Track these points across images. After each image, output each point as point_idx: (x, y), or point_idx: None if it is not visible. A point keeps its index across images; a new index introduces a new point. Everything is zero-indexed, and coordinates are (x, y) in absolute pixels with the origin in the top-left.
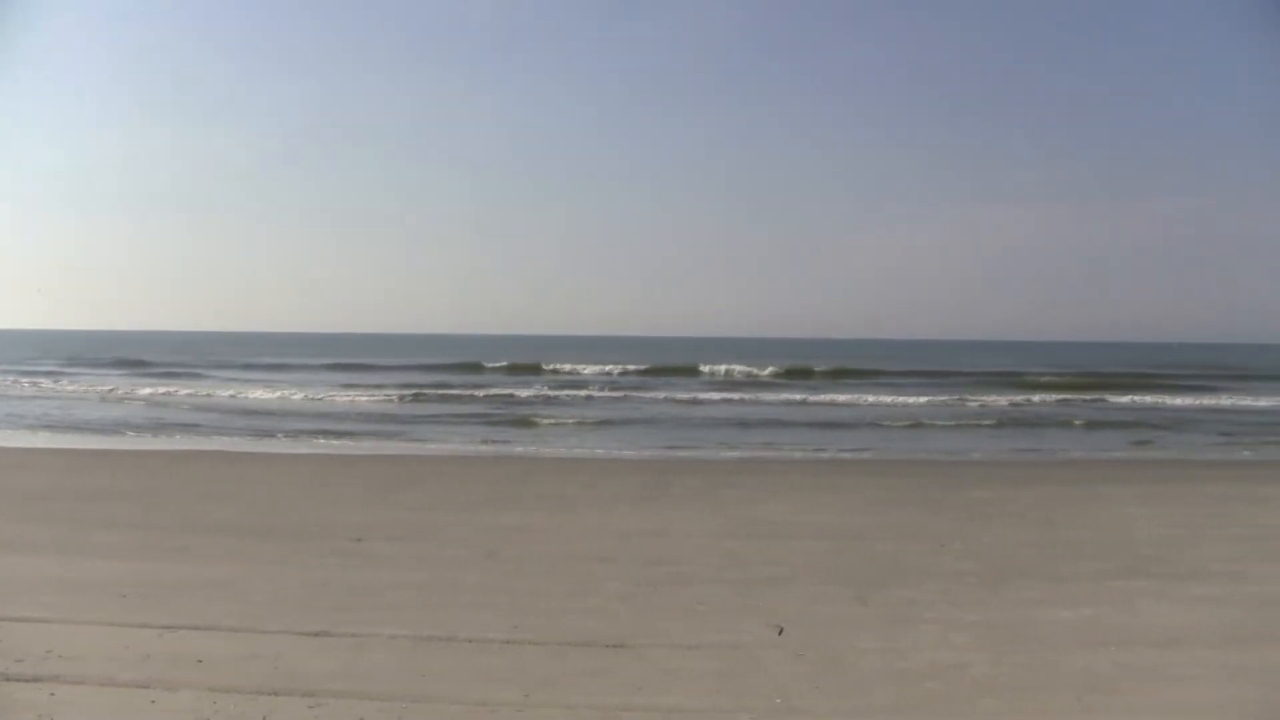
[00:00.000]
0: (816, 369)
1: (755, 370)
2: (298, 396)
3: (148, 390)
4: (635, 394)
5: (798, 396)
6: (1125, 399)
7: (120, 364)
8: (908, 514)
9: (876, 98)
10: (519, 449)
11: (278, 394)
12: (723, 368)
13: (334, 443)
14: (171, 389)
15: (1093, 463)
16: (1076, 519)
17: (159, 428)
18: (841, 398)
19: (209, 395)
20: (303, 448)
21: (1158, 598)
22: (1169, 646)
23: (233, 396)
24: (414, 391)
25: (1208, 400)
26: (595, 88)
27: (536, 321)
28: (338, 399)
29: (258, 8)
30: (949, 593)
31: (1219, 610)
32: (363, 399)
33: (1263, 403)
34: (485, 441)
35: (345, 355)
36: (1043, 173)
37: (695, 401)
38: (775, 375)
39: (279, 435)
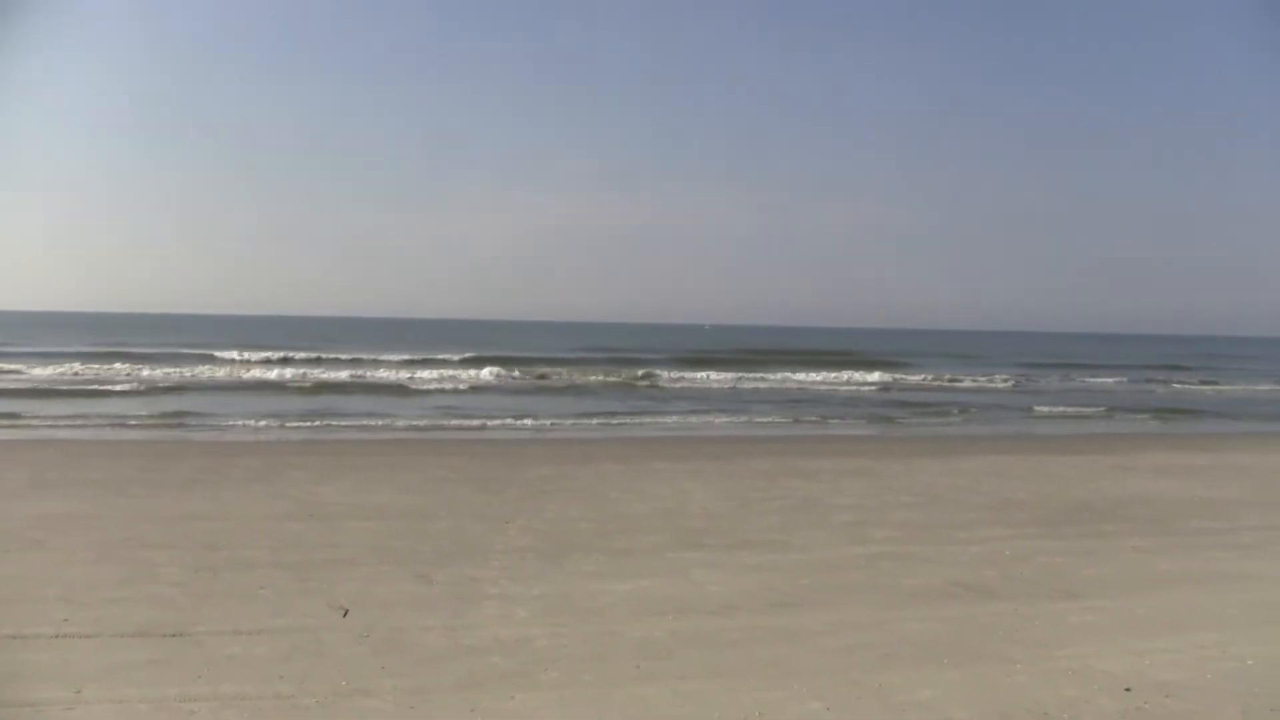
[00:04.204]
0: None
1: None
2: None
3: None
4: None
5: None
6: (677, 384)
7: None
8: (470, 493)
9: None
10: (63, 434)
11: None
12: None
13: None
14: None
15: (648, 440)
16: (633, 494)
17: None
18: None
19: None
20: None
21: (710, 568)
22: (721, 613)
23: None
24: None
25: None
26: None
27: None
28: None
29: None
30: (511, 569)
31: (765, 577)
32: None
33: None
34: (23, 424)
35: None
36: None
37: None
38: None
39: None
